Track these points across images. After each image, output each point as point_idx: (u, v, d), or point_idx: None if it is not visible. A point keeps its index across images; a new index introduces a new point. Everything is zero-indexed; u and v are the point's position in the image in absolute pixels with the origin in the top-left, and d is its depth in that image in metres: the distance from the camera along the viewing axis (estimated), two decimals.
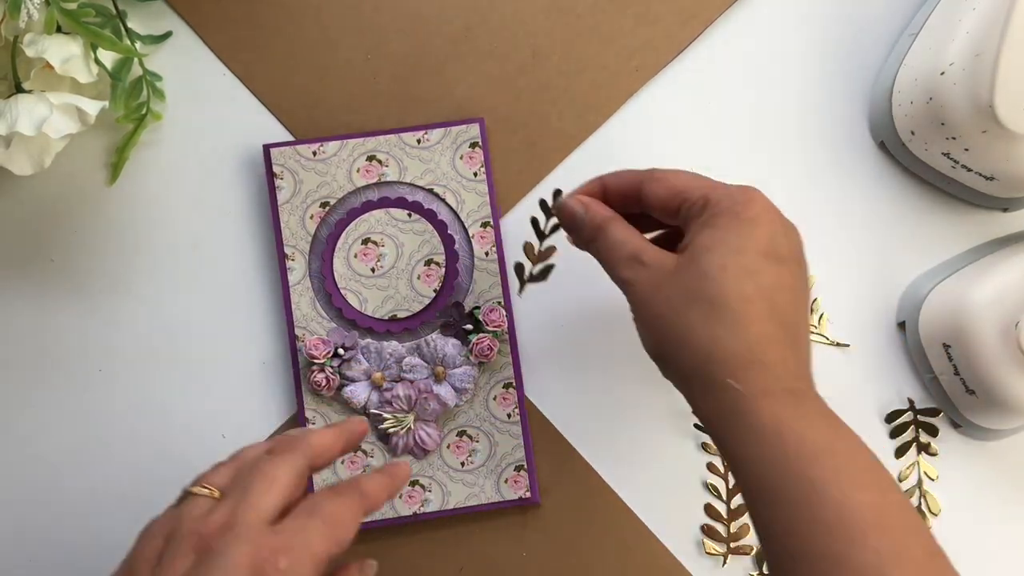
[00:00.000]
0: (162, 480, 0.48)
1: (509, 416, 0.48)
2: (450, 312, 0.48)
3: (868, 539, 0.31)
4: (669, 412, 0.49)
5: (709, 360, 0.35)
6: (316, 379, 0.47)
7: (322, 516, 0.33)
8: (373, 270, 0.48)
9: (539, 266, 0.46)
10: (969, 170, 0.45)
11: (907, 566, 0.31)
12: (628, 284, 0.38)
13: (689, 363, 0.36)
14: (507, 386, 0.48)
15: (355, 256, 0.48)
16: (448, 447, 0.48)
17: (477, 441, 0.48)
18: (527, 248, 0.46)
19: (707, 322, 0.35)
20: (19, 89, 0.44)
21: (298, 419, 0.48)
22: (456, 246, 0.48)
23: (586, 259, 0.50)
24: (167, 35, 0.50)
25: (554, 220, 0.45)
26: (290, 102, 0.50)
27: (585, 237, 0.41)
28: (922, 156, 0.47)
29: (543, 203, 0.45)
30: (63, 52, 0.43)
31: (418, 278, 0.48)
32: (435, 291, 0.48)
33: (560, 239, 0.45)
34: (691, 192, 0.38)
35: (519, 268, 0.46)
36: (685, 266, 0.36)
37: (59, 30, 0.44)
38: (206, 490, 0.34)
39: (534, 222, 0.45)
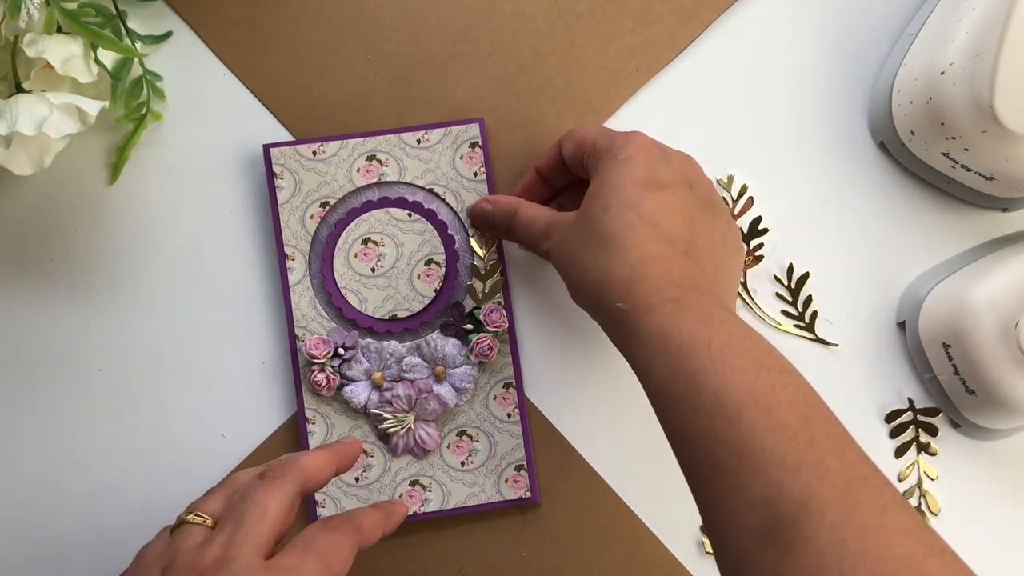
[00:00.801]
0: (162, 480, 0.49)
1: (509, 416, 0.48)
2: (450, 312, 0.48)
3: (743, 417, 0.33)
4: None
5: (601, 289, 0.38)
6: (316, 379, 0.47)
7: (317, 552, 0.33)
8: (373, 270, 0.48)
9: (489, 282, 0.48)
10: (969, 170, 0.45)
11: (781, 434, 0.32)
12: (547, 254, 0.42)
13: (592, 297, 0.39)
14: (507, 386, 0.48)
15: (355, 256, 0.48)
16: (448, 447, 0.48)
17: (477, 441, 0.48)
18: (474, 270, 0.48)
19: (597, 257, 0.38)
20: (19, 89, 0.44)
21: (298, 419, 0.48)
22: (456, 246, 0.48)
23: None
24: (167, 35, 0.50)
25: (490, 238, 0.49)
26: (290, 102, 0.50)
27: (502, 228, 0.45)
28: (922, 156, 0.47)
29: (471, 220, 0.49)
30: (63, 52, 0.43)
31: (418, 278, 0.48)
32: (435, 291, 0.48)
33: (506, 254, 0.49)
34: (585, 142, 0.42)
35: (472, 290, 0.48)
36: (578, 215, 0.40)
37: (59, 30, 0.44)
38: (200, 519, 0.34)
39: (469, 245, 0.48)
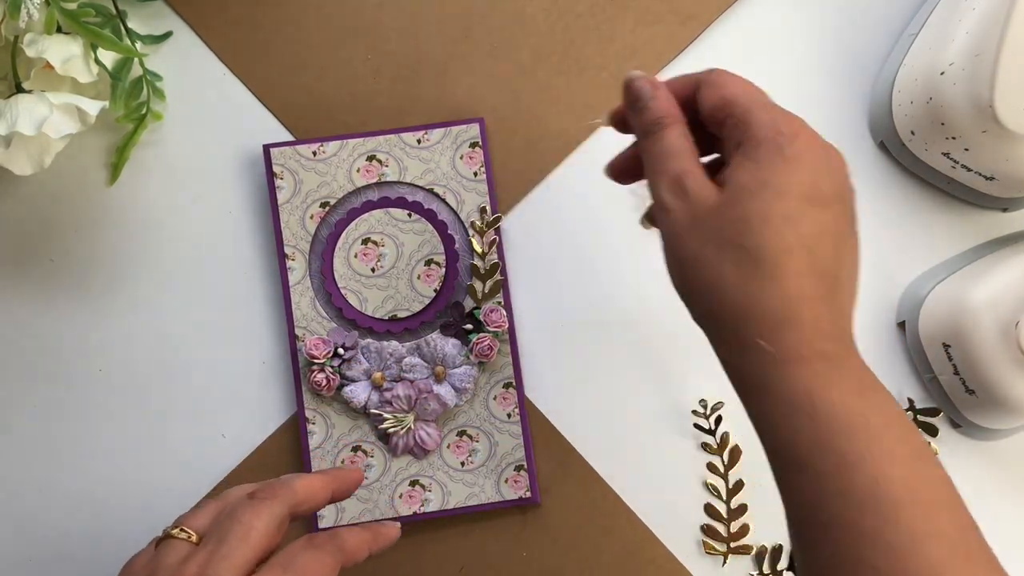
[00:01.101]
0: (162, 480, 0.49)
1: (509, 416, 0.48)
2: (450, 312, 0.48)
3: (900, 516, 0.30)
4: (669, 412, 0.49)
5: (741, 316, 0.33)
6: (316, 379, 0.47)
7: (296, 571, 0.33)
8: (373, 270, 0.48)
9: (489, 282, 0.48)
10: (969, 170, 0.45)
11: (941, 543, 0.30)
12: (665, 211, 0.35)
13: (719, 314, 0.34)
14: (507, 386, 0.48)
15: (355, 256, 0.48)
16: (448, 447, 0.48)
17: (477, 441, 0.48)
18: (474, 270, 0.48)
19: (742, 273, 0.33)
20: (19, 89, 0.44)
21: (298, 419, 0.48)
22: (456, 246, 0.48)
23: (584, 258, 0.50)
24: (167, 35, 0.50)
25: (489, 238, 0.48)
26: (290, 102, 0.50)
27: (641, 128, 0.37)
28: (922, 156, 0.47)
29: (473, 224, 0.48)
30: (63, 52, 0.43)
31: (418, 278, 0.48)
32: (435, 291, 0.48)
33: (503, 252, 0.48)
34: (737, 105, 0.35)
35: (472, 290, 0.48)
36: (725, 206, 0.33)
37: (59, 30, 0.45)
38: (184, 534, 0.34)
39: (469, 246, 0.48)
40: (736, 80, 0.36)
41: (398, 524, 0.41)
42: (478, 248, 0.48)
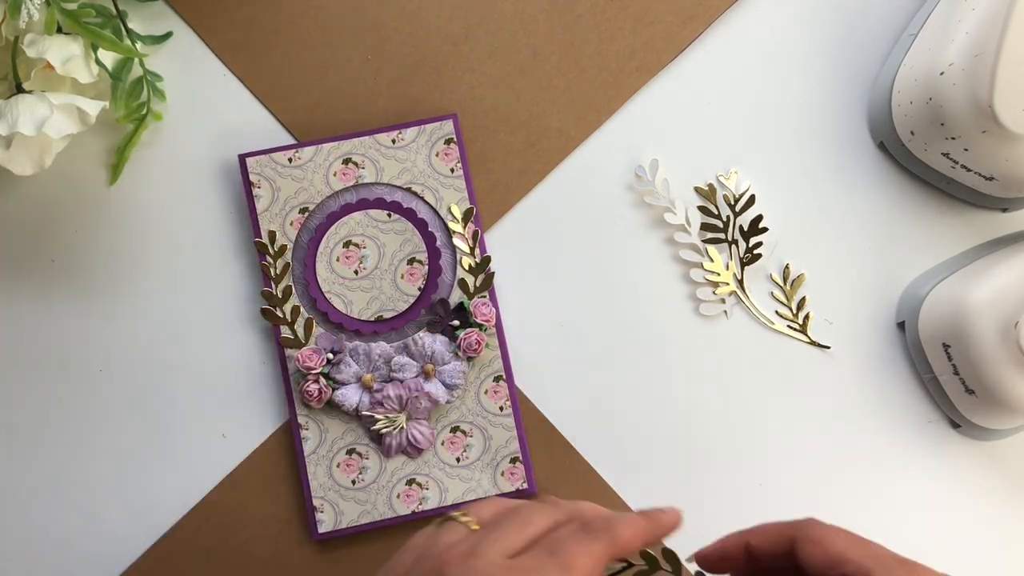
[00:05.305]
0: (162, 479, 0.49)
1: (501, 409, 0.48)
2: (436, 309, 0.48)
3: None
4: (669, 411, 0.48)
5: None
6: (309, 389, 0.47)
7: (562, 557, 0.31)
8: (356, 272, 0.48)
9: (481, 276, 0.48)
10: (969, 170, 0.45)
11: None
12: None
13: None
14: (497, 379, 0.48)
15: (337, 259, 0.48)
16: (443, 444, 0.48)
17: (471, 436, 0.48)
18: (466, 264, 0.48)
19: None
20: (20, 89, 0.44)
21: (291, 426, 0.48)
22: (437, 243, 0.48)
23: (585, 256, 0.50)
24: (167, 35, 0.50)
25: (470, 231, 0.48)
26: (290, 102, 0.50)
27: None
28: (922, 156, 0.47)
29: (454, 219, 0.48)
30: (64, 52, 0.44)
31: (401, 277, 0.48)
32: (419, 289, 0.48)
33: (494, 249, 0.49)
34: (849, 564, 0.32)
35: (463, 283, 0.48)
36: None
37: (60, 30, 0.45)
38: (466, 518, 0.34)
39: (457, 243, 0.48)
40: (838, 533, 0.33)
41: (679, 510, 0.37)
42: (462, 245, 0.48)
